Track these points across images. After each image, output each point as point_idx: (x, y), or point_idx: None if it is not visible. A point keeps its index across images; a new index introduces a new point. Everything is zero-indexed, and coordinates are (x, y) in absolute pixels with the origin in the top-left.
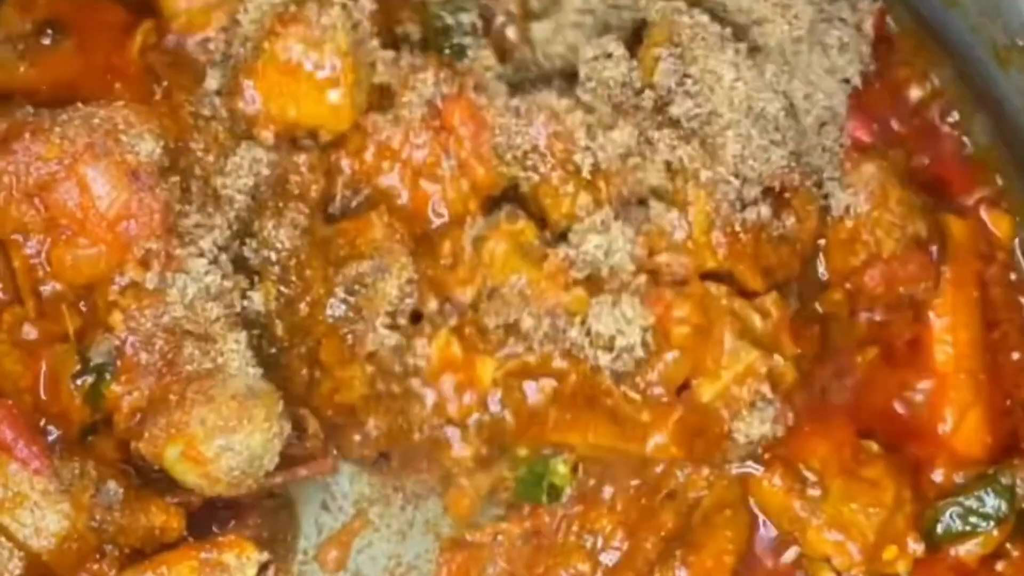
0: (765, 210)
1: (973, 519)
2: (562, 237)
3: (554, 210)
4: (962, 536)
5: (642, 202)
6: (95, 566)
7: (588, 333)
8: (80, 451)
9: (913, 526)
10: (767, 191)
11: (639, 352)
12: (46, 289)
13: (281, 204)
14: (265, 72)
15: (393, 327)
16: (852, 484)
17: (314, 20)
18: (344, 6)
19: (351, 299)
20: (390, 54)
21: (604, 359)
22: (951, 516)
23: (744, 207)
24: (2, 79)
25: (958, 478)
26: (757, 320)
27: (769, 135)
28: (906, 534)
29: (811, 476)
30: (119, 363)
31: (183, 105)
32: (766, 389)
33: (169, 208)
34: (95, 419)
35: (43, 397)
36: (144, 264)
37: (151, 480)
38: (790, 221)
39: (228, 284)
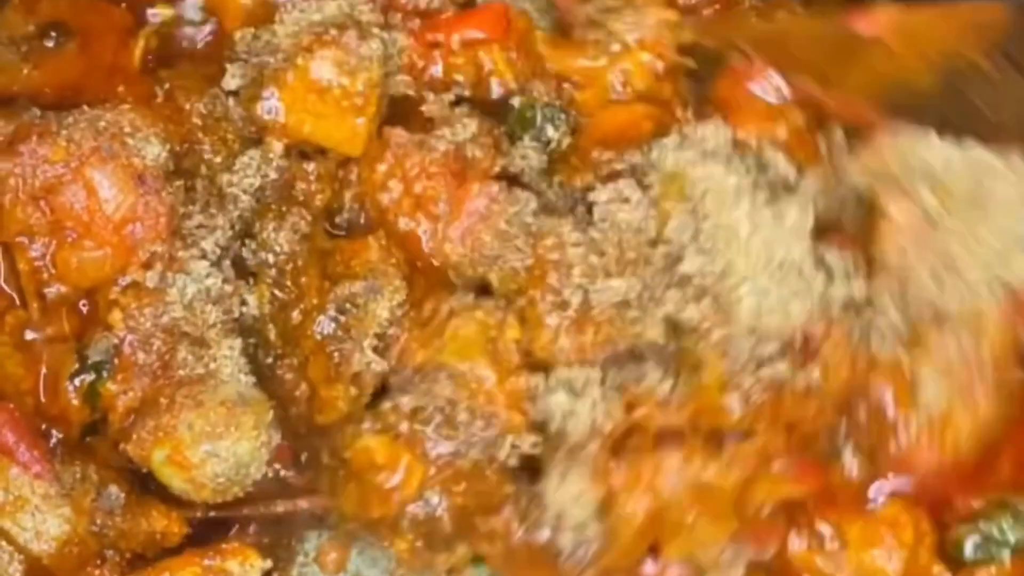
0: (783, 366)
1: (992, 547)
2: (540, 366)
3: (537, 338)
4: (981, 563)
5: (636, 356)
6: (96, 572)
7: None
8: (81, 455)
9: (936, 556)
10: (788, 345)
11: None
12: (51, 291)
13: (284, 208)
14: (293, 85)
15: (380, 351)
16: (870, 528)
17: (353, 48)
18: (383, 40)
19: (341, 318)
20: (448, 96)
21: None
22: (972, 544)
23: (761, 365)
24: (6, 82)
25: (976, 504)
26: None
27: (790, 285)
28: (930, 567)
29: (827, 529)
30: (117, 362)
31: (188, 106)
32: None
33: (174, 211)
34: (94, 419)
35: (43, 399)
36: (148, 266)
37: (152, 485)
38: (815, 374)
39: (228, 288)
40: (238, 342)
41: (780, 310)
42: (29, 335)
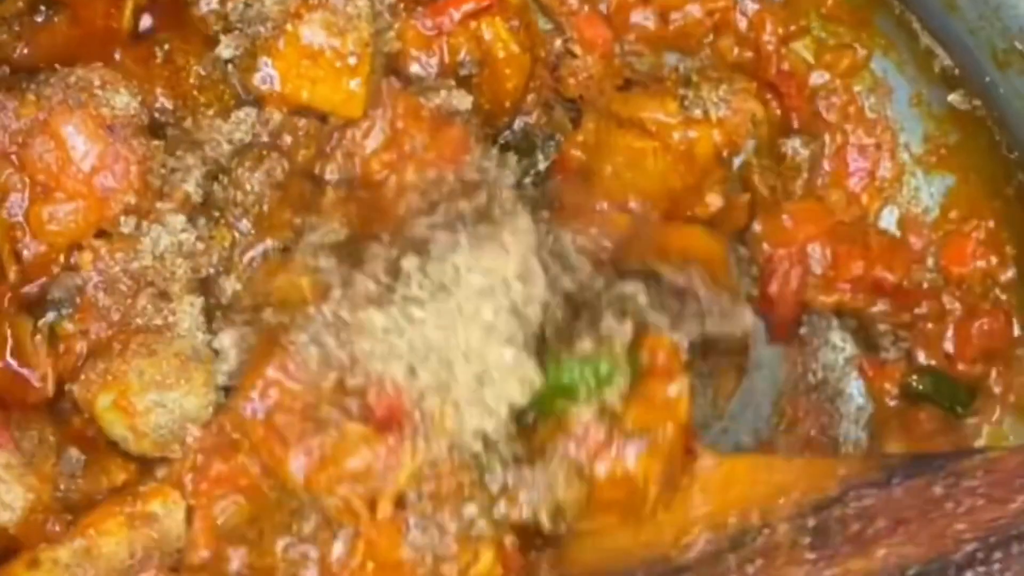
0: None
1: None
2: None
3: None
4: None
5: None
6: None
7: None
8: (37, 419)
9: None
10: None
11: None
12: (27, 252)
13: (265, 153)
14: (285, 52)
15: None
16: None
17: (340, 8)
18: None
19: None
20: (468, 100)
21: None
22: None
23: None
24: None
25: None
26: None
27: None
28: None
29: None
30: (78, 301)
31: (186, 68)
32: None
33: (146, 161)
34: (59, 371)
35: (10, 359)
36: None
37: (110, 443)
38: None
39: (200, 246)
40: (200, 300)
41: None
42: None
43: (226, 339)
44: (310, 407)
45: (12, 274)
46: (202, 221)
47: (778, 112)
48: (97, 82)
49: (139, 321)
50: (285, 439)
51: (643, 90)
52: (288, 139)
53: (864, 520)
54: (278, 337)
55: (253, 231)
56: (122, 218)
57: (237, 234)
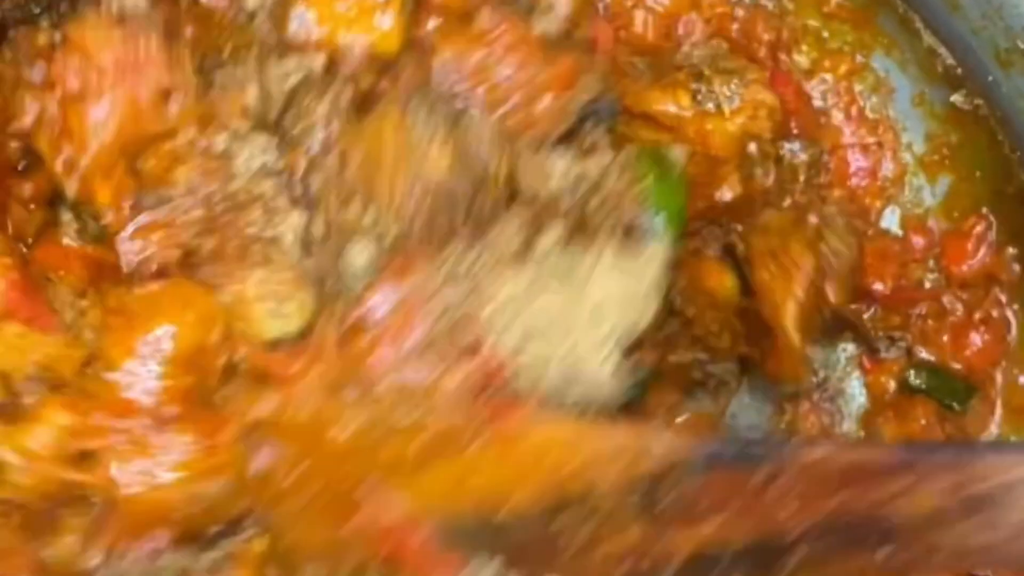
0: None
1: None
2: None
3: None
4: None
5: None
6: None
7: None
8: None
9: None
10: None
11: None
12: (81, 163)
13: (328, 80)
14: None
15: None
16: None
17: None
18: None
19: None
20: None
21: None
22: None
23: None
24: None
25: None
26: None
27: None
28: None
29: None
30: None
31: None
32: None
33: (167, 44)
34: None
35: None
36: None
37: None
38: None
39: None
40: (304, 217)
41: None
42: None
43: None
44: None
45: (72, 188)
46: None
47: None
48: None
49: (250, 231)
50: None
51: (655, 84)
52: (346, 70)
53: (687, 498)
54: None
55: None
56: (217, 137)
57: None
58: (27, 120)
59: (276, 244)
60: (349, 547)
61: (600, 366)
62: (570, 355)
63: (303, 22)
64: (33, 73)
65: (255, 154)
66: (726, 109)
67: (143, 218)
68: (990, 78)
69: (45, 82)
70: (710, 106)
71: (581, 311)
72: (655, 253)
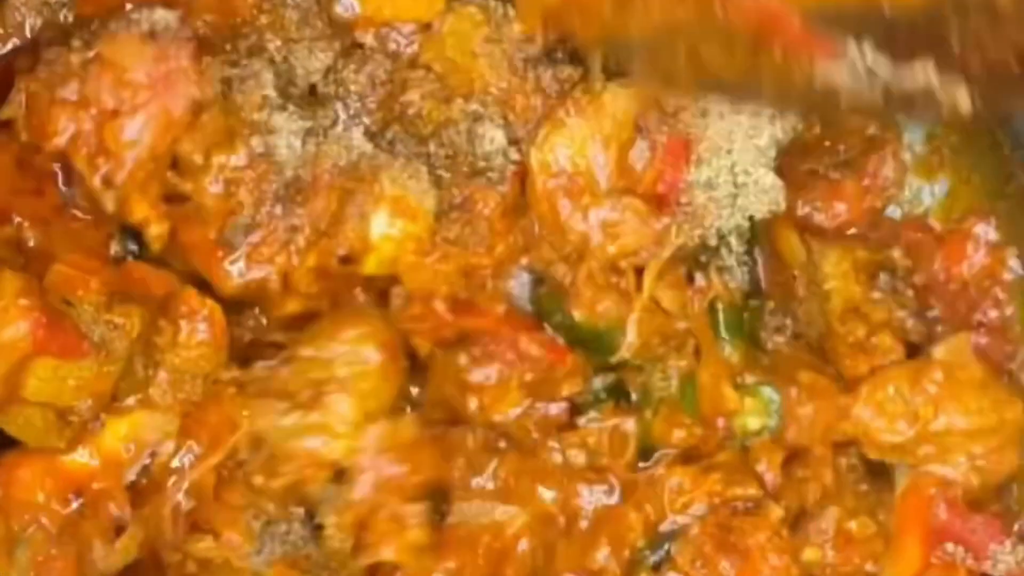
0: None
1: None
2: None
3: None
4: None
5: None
6: None
7: None
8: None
9: None
10: None
11: None
12: (117, 177)
13: (367, 54)
14: None
15: None
16: None
17: None
18: None
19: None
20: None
21: None
22: None
23: None
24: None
25: None
26: None
27: None
28: None
29: None
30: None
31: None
32: None
33: (197, 58)
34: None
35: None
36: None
37: None
38: None
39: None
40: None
41: None
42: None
43: None
44: None
45: (109, 203)
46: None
47: None
48: (129, 6)
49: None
50: None
51: None
52: (392, 47)
53: None
54: None
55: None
56: (252, 141)
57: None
58: (63, 139)
59: None
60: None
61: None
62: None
63: (349, 3)
64: (67, 92)
65: (291, 138)
66: None
67: (242, 250)
68: None
69: (79, 100)
70: None
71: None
72: None
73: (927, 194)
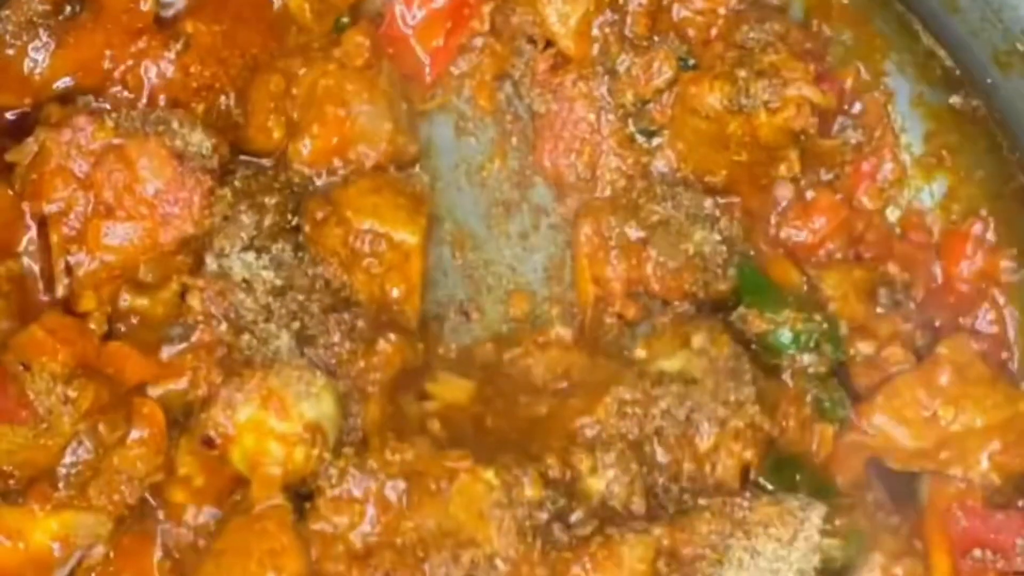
0: None
1: None
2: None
3: None
4: None
5: None
6: None
7: None
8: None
9: None
10: None
11: None
12: (81, 265)
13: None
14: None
15: None
16: None
17: None
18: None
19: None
20: None
21: None
22: None
23: None
24: (47, 79)
25: None
26: None
27: None
28: None
29: None
30: (193, 339)
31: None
32: None
33: (209, 197)
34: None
35: None
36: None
37: None
38: None
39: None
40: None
41: None
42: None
43: None
44: None
45: (61, 288)
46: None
47: None
48: (175, 122)
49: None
50: None
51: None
52: None
53: None
54: None
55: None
56: (207, 257)
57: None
58: (51, 208)
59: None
60: None
61: None
62: None
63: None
64: (76, 166)
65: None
66: (762, 113)
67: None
68: (988, 80)
69: (84, 181)
70: (749, 103)
71: None
72: None
73: (926, 195)
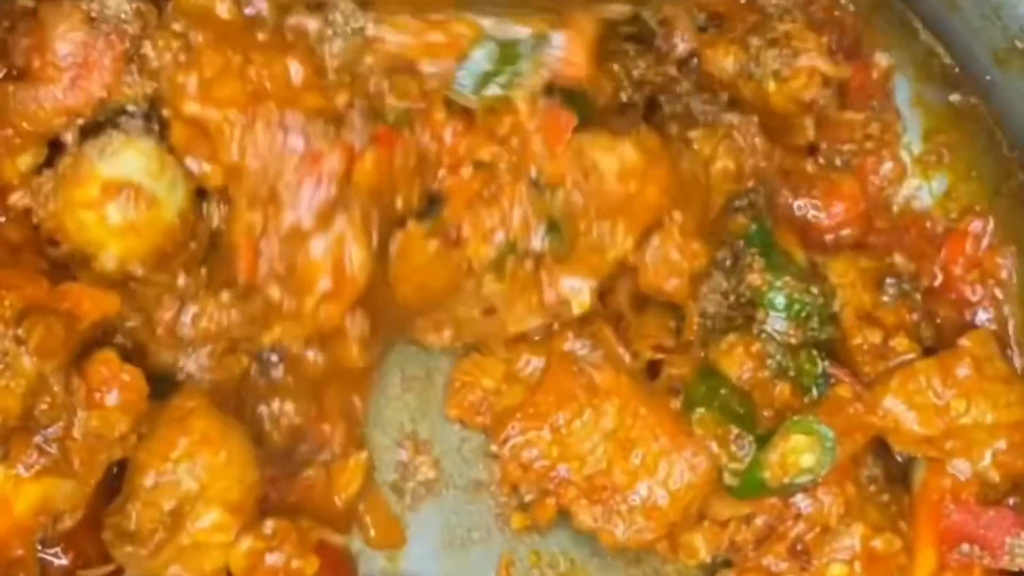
0: None
1: None
2: None
3: None
4: None
5: None
6: None
7: None
8: None
9: None
10: None
11: None
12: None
13: None
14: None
15: None
16: None
17: None
18: None
19: None
20: None
21: None
22: None
23: None
24: None
25: None
26: None
27: None
28: None
29: None
30: None
31: None
32: None
33: (122, 61)
34: None
35: None
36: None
37: None
38: None
39: None
40: None
41: None
42: None
43: None
44: None
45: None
46: None
47: None
48: None
49: None
50: None
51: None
52: None
53: None
54: None
55: None
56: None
57: None
58: None
59: None
60: None
61: None
62: None
63: None
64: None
65: None
66: (771, 82)
67: None
68: (988, 78)
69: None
70: (757, 74)
71: None
72: None
73: (925, 193)
